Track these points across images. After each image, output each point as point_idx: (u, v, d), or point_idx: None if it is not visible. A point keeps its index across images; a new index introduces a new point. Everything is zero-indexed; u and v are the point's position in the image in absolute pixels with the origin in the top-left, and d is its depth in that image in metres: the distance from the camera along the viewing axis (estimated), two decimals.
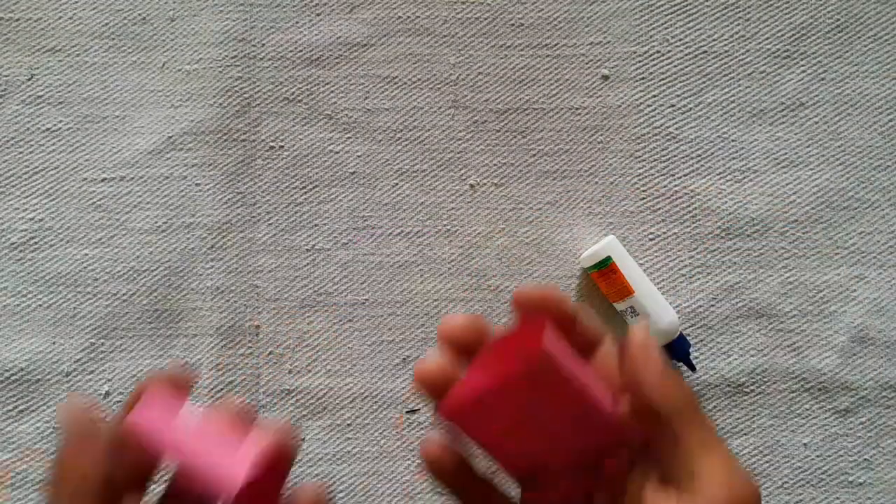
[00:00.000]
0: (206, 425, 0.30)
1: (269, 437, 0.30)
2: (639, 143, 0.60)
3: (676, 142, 0.60)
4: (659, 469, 0.29)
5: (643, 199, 0.59)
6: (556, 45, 0.61)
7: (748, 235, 0.59)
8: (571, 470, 0.30)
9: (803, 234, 0.59)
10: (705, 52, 0.60)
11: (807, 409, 0.57)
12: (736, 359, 0.58)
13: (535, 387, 0.28)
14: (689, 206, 0.59)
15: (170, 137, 0.59)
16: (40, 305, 0.58)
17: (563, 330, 0.29)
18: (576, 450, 0.30)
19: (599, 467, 0.30)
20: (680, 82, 0.60)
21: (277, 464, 0.31)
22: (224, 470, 0.29)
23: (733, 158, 0.60)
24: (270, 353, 0.57)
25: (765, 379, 0.57)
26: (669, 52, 0.60)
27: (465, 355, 0.30)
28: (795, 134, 0.60)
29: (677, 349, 0.56)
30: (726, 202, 0.59)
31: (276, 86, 0.60)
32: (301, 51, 0.60)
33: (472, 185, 0.59)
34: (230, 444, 0.30)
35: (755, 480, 0.28)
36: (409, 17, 0.61)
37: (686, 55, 0.60)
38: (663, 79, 0.60)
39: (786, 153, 0.60)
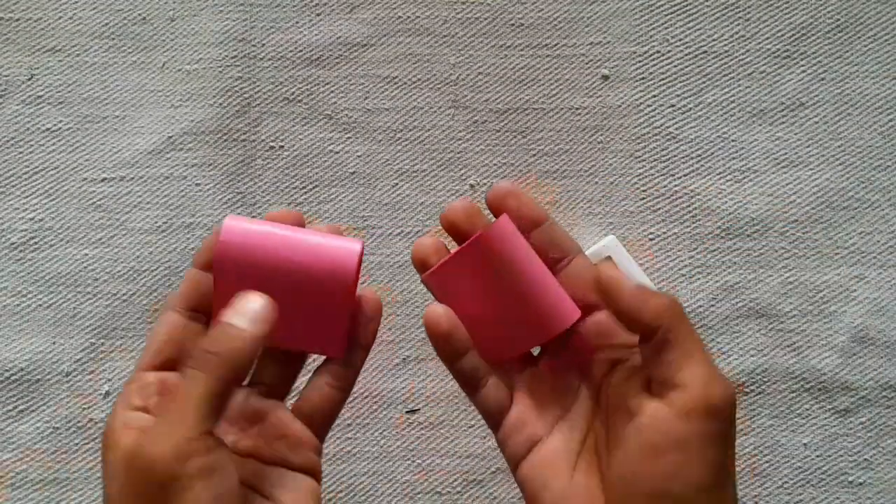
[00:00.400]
0: (297, 231, 0.34)
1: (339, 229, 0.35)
2: (639, 143, 0.60)
3: (676, 142, 0.60)
4: (641, 374, 0.32)
5: (643, 199, 0.59)
6: (556, 45, 0.61)
7: (748, 235, 0.59)
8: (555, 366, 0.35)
9: (803, 234, 0.59)
10: (705, 52, 0.60)
11: (807, 409, 0.57)
12: (736, 359, 0.58)
13: (486, 257, 0.33)
14: (689, 206, 0.59)
15: (170, 137, 0.59)
16: (40, 305, 0.58)
17: (533, 229, 0.34)
18: (534, 328, 0.34)
19: (583, 365, 0.35)
20: (680, 82, 0.60)
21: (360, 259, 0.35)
22: (333, 244, 0.33)
23: (733, 158, 0.60)
24: None
25: (765, 379, 0.57)
26: (669, 52, 0.60)
27: (461, 237, 0.35)
28: (795, 134, 0.60)
29: None
30: (726, 202, 0.59)
31: (276, 86, 0.60)
32: (301, 51, 0.60)
33: (472, 185, 0.59)
34: (313, 234, 0.33)
35: (732, 386, 0.30)
36: (409, 17, 0.61)
37: (686, 55, 0.60)
38: (663, 79, 0.60)
39: (786, 153, 0.60)
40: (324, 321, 0.34)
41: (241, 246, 0.32)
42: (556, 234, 0.35)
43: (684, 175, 0.59)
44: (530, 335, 0.34)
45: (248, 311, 0.30)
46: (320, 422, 0.35)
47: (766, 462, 0.57)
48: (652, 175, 0.59)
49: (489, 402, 0.35)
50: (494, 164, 0.60)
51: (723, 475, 0.29)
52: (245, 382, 0.34)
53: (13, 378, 0.57)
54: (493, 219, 0.35)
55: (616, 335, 0.34)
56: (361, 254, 0.35)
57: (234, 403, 0.34)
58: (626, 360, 0.33)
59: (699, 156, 0.60)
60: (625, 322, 0.31)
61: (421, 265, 0.36)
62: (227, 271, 0.32)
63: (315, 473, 0.34)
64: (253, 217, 0.58)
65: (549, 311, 0.33)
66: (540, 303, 0.33)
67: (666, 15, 0.61)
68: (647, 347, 0.31)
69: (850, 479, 0.57)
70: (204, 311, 0.34)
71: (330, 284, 0.32)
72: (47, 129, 0.60)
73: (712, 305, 0.58)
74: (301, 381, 0.37)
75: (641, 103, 0.60)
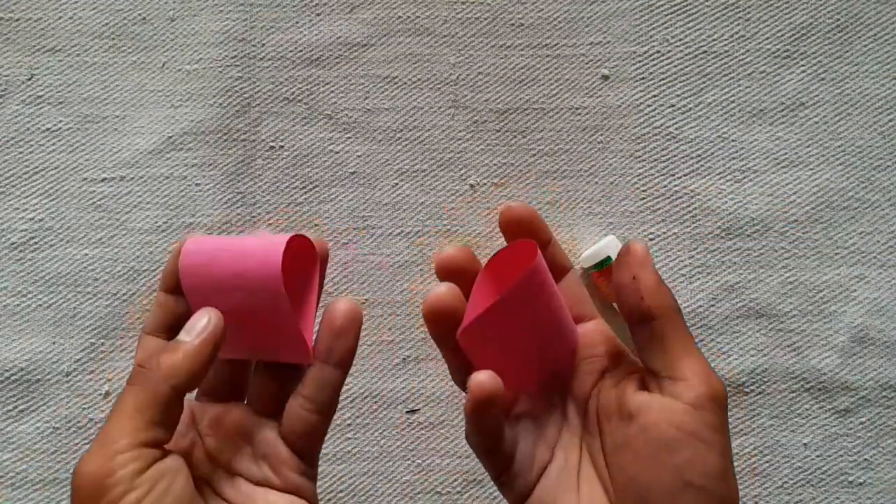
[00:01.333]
0: (241, 239, 0.33)
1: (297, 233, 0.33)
2: (639, 143, 0.60)
3: (676, 142, 0.60)
4: (634, 375, 0.32)
5: (643, 199, 0.59)
6: (556, 45, 0.61)
7: (748, 235, 0.59)
8: (547, 385, 0.34)
9: (803, 234, 0.59)
10: (705, 52, 0.60)
11: (807, 409, 0.57)
12: (736, 359, 0.58)
13: (527, 300, 0.31)
14: (689, 206, 0.59)
15: (170, 137, 0.59)
16: (40, 305, 0.58)
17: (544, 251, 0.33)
18: (552, 360, 0.33)
19: (567, 379, 0.34)
20: (680, 82, 0.60)
21: (312, 252, 0.33)
22: (267, 242, 0.32)
23: (733, 158, 0.60)
24: None
25: (765, 379, 0.57)
26: (669, 52, 0.60)
27: (460, 281, 0.33)
28: (795, 134, 0.60)
29: None
30: (726, 202, 0.59)
31: (276, 86, 0.60)
32: (301, 51, 0.60)
33: (472, 185, 0.59)
34: (254, 239, 0.33)
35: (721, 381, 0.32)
36: (409, 17, 0.61)
37: (686, 55, 0.60)
38: (663, 79, 0.60)
39: (786, 153, 0.60)
40: (278, 326, 0.32)
41: (200, 265, 0.32)
42: (558, 253, 0.35)
43: (684, 175, 0.59)
44: (553, 361, 0.34)
45: (193, 326, 0.31)
46: (304, 444, 0.33)
47: (766, 462, 0.57)
48: (652, 175, 0.59)
49: (507, 448, 0.33)
50: (494, 164, 0.60)
51: (730, 459, 0.30)
52: (245, 401, 0.35)
53: (13, 378, 0.57)
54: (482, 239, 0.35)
55: (600, 344, 0.34)
56: (301, 249, 0.33)
57: (230, 421, 0.34)
58: (615, 368, 0.33)
59: (699, 156, 0.60)
60: (629, 300, 0.31)
61: (440, 320, 0.33)
62: (195, 291, 0.32)
63: (302, 494, 0.33)
64: (254, 217, 0.59)
65: (569, 336, 0.33)
66: (564, 330, 0.33)
67: (666, 15, 0.61)
68: (646, 338, 0.31)
69: (850, 479, 0.57)
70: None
71: (264, 286, 0.31)
72: (47, 129, 0.60)
73: (712, 305, 0.58)
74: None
75: (641, 103, 0.60)
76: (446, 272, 0.33)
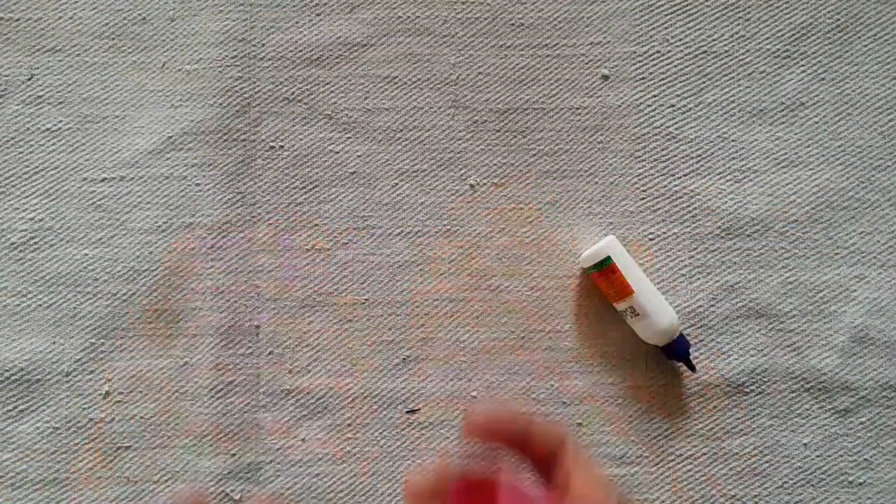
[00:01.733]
0: None
1: None
2: (639, 143, 0.60)
3: (676, 142, 0.60)
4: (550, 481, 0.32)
5: (643, 199, 0.59)
6: (556, 45, 0.61)
7: (748, 235, 0.59)
8: None
9: (803, 234, 0.59)
10: (705, 52, 0.61)
11: (807, 409, 0.57)
12: (736, 359, 0.58)
13: None
14: (689, 206, 0.59)
15: (170, 137, 0.59)
16: (40, 305, 0.58)
17: (519, 445, 0.32)
18: None
19: None
20: (680, 82, 0.60)
21: None
22: None
23: (733, 158, 0.60)
24: (270, 353, 0.57)
25: (765, 379, 0.57)
26: (669, 52, 0.60)
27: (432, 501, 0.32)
28: (795, 134, 0.60)
29: (677, 349, 0.56)
30: (726, 202, 0.59)
31: (276, 86, 0.60)
32: (301, 51, 0.60)
33: (472, 185, 0.59)
34: None
35: (614, 489, 0.31)
36: (409, 17, 0.61)
37: (686, 55, 0.60)
38: (663, 79, 0.60)
39: (786, 153, 0.60)
40: None
41: None
42: (538, 432, 0.33)
43: (684, 175, 0.59)
44: None
45: None
46: None
47: (766, 462, 0.57)
48: (652, 175, 0.59)
49: None
50: (494, 164, 0.60)
51: None
52: None
53: (13, 378, 0.57)
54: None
55: None
56: None
57: None
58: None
59: (699, 156, 0.60)
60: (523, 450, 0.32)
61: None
62: None
63: None
64: (254, 217, 0.59)
65: None
66: None
67: (666, 15, 0.61)
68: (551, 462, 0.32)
69: (850, 479, 0.57)
70: None
71: None
72: (47, 129, 0.60)
73: (712, 305, 0.58)
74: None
75: (641, 103, 0.60)
76: (416, 499, 0.32)
